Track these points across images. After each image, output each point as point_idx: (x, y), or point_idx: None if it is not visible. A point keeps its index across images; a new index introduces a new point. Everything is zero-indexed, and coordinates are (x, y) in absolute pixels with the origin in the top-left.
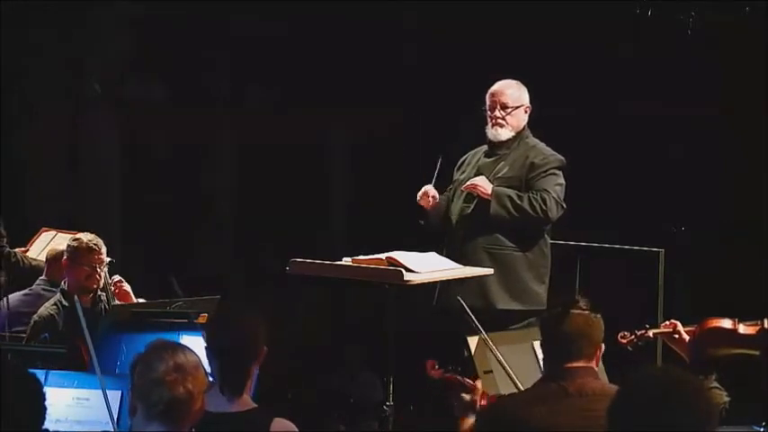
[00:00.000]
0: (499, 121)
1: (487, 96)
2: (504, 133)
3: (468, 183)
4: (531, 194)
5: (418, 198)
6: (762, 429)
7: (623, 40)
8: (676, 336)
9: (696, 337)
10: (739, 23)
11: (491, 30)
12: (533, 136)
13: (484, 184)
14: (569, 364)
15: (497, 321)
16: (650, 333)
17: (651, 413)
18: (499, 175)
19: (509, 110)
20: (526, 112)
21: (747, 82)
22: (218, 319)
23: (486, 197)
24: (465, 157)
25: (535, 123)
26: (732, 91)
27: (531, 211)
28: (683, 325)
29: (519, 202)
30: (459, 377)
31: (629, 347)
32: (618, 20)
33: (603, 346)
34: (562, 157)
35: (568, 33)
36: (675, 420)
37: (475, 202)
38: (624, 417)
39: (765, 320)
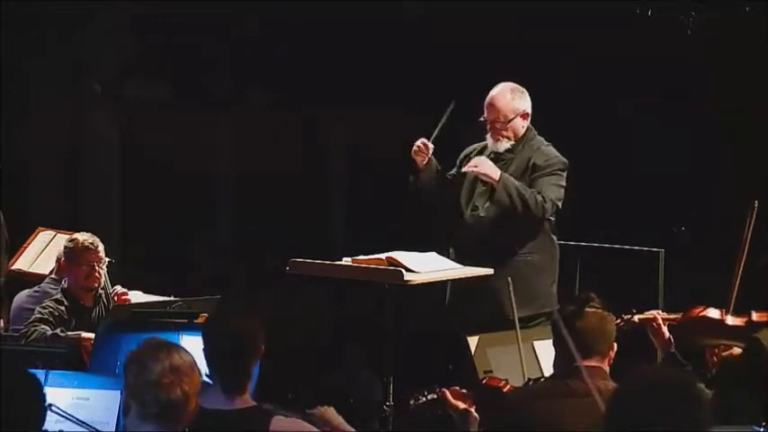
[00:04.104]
0: (495, 135)
1: (485, 107)
2: (503, 145)
3: (471, 162)
4: (536, 193)
5: (413, 152)
6: (762, 429)
7: (623, 39)
8: (655, 325)
9: (682, 325)
10: (739, 23)
11: (491, 29)
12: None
13: (490, 171)
14: (580, 363)
15: (507, 326)
16: (636, 318)
17: (647, 414)
18: None
19: (503, 121)
20: (524, 118)
21: (748, 82)
22: (214, 320)
23: (490, 181)
24: (470, 150)
25: (535, 124)
26: (732, 91)
27: (532, 205)
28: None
29: (523, 192)
30: (439, 394)
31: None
32: (617, 20)
33: (615, 345)
34: (565, 160)
35: (568, 33)
36: (671, 421)
37: (485, 205)
38: (621, 417)
39: (754, 313)
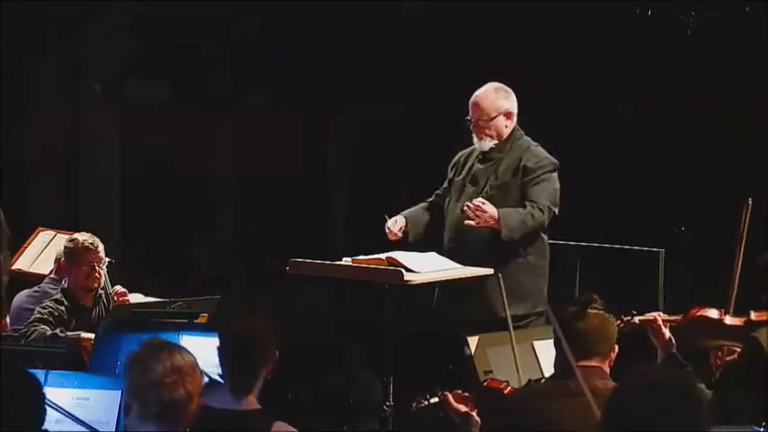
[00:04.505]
0: (479, 134)
1: (469, 107)
2: (487, 144)
3: (469, 212)
4: (530, 209)
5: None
6: (762, 429)
7: (623, 39)
8: (656, 326)
9: (682, 326)
10: (739, 23)
11: (491, 29)
12: (533, 137)
13: (486, 218)
14: (580, 363)
15: (500, 324)
16: (636, 320)
17: (647, 414)
18: (496, 183)
19: (486, 120)
20: (508, 117)
21: (748, 82)
22: (227, 320)
23: (494, 225)
24: (458, 156)
25: (535, 123)
26: (732, 91)
27: (537, 226)
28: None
29: (524, 220)
30: (441, 397)
31: None
32: (617, 20)
33: (617, 347)
34: (555, 160)
35: (568, 33)
36: (671, 421)
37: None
38: (620, 417)
39: (752, 313)
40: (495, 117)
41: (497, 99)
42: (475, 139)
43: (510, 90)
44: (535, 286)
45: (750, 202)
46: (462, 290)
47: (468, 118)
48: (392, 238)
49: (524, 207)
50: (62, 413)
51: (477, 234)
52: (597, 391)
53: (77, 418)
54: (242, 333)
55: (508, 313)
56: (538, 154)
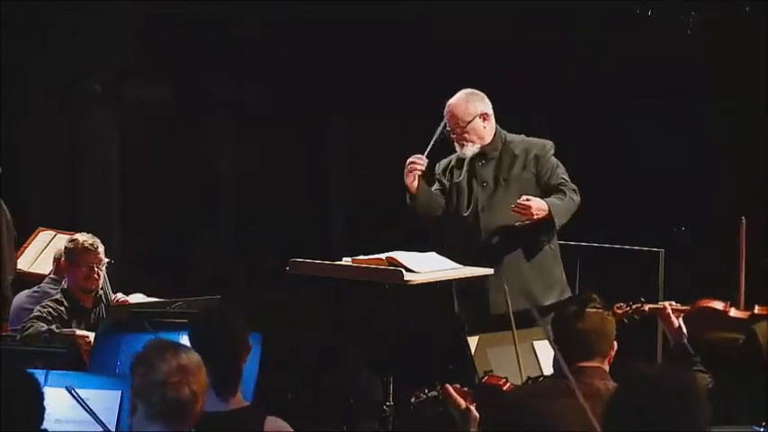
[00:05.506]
0: (460, 141)
1: (446, 117)
2: (470, 150)
3: (521, 209)
4: (569, 193)
5: (407, 171)
6: (762, 429)
7: (623, 39)
8: (666, 315)
9: (687, 316)
10: (739, 23)
11: (491, 29)
12: (534, 136)
13: (537, 211)
14: (581, 363)
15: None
16: (646, 308)
17: (647, 413)
18: (507, 178)
19: (462, 126)
20: (485, 119)
21: (748, 82)
22: (208, 323)
23: (545, 217)
24: (444, 164)
25: (535, 124)
26: (732, 91)
27: (574, 209)
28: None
29: (568, 206)
30: (440, 391)
31: (624, 319)
32: (617, 20)
33: (616, 344)
34: (549, 141)
35: (568, 33)
36: (671, 420)
37: (492, 200)
38: (620, 417)
39: (756, 306)
40: (471, 121)
41: (470, 103)
42: (457, 147)
43: (482, 93)
44: (559, 274)
45: (744, 221)
46: (498, 291)
47: (448, 129)
48: (410, 171)
49: (541, 196)
50: (83, 406)
51: (496, 232)
52: (598, 392)
53: (96, 415)
54: (227, 335)
55: (511, 311)
56: (536, 141)
